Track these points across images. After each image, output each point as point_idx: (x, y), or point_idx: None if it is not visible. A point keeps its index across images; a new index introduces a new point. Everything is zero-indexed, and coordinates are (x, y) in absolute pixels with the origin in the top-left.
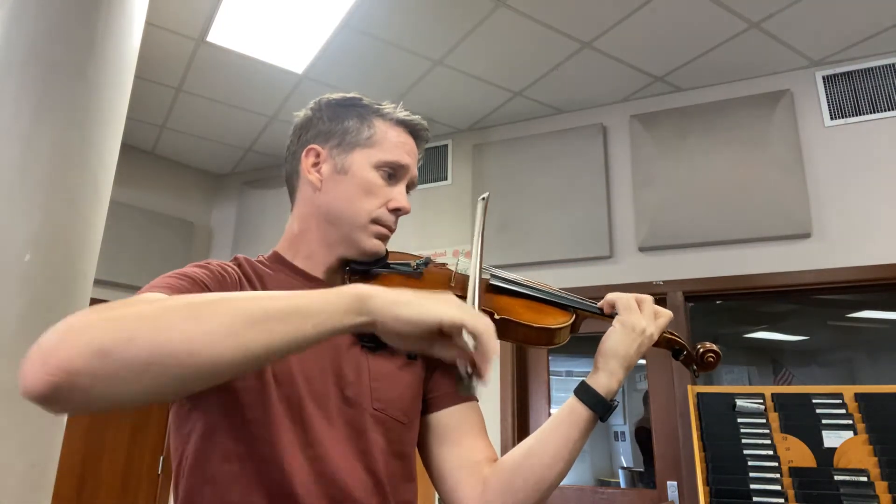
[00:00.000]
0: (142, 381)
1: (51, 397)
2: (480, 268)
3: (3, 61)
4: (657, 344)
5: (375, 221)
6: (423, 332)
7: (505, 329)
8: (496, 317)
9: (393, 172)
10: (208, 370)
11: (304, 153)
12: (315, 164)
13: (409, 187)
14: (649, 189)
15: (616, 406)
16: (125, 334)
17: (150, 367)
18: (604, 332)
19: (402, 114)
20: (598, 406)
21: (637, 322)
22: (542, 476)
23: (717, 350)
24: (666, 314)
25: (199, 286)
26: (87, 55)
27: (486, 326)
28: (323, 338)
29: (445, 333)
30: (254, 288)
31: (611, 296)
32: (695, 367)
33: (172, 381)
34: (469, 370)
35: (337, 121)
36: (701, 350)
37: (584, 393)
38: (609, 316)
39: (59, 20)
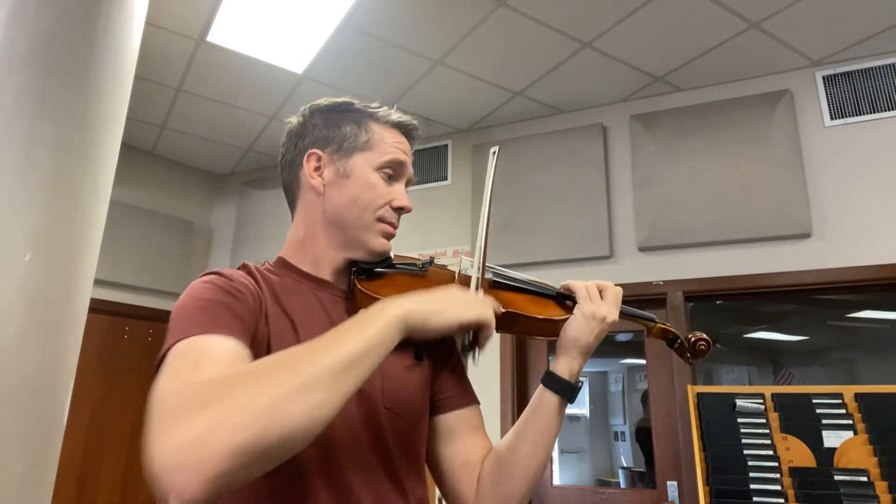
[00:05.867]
0: (281, 455)
1: (212, 497)
2: (485, 255)
3: (3, 61)
4: (653, 335)
5: (381, 220)
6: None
7: (510, 321)
8: (501, 310)
9: (392, 173)
10: (324, 425)
11: (305, 158)
12: (317, 169)
13: (406, 185)
14: (649, 189)
15: (581, 386)
16: (255, 428)
17: (284, 445)
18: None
19: (395, 116)
20: (564, 390)
21: (597, 310)
22: (527, 466)
23: (708, 338)
24: (619, 292)
25: (240, 319)
26: (87, 55)
27: (490, 318)
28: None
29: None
30: (261, 296)
31: (568, 283)
32: (688, 354)
33: (303, 444)
34: (471, 339)
35: (333, 127)
36: (692, 339)
37: (550, 381)
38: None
39: (59, 20)
